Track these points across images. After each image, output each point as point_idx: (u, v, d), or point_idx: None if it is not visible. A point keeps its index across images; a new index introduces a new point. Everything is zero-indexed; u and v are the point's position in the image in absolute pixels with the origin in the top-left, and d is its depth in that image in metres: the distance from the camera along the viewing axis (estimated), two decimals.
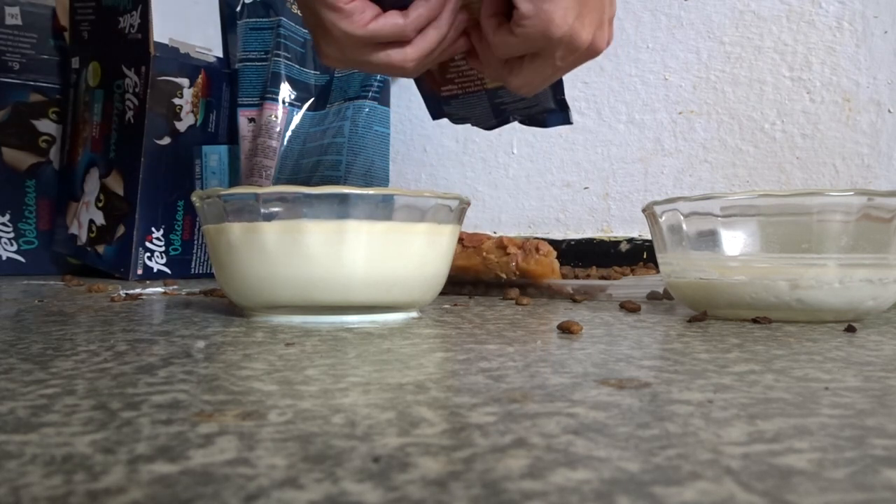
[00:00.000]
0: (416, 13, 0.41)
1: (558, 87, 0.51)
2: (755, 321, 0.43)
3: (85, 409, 0.21)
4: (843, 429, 0.19)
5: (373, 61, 0.42)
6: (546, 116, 0.52)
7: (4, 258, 0.98)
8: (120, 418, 0.20)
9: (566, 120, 0.52)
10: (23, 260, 0.99)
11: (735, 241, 0.44)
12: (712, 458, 0.17)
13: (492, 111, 0.52)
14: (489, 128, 0.54)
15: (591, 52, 0.42)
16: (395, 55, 0.42)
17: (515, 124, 0.55)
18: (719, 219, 0.44)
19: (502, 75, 0.44)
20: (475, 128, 0.57)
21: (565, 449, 0.17)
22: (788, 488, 0.15)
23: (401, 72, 0.43)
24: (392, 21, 0.40)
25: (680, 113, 0.93)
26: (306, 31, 0.95)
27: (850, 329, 0.40)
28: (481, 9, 0.42)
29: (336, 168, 0.93)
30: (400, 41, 0.41)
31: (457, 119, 0.54)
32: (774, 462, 0.16)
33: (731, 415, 0.21)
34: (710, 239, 0.45)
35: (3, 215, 0.99)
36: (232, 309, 0.50)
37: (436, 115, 0.54)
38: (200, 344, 0.34)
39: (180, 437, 0.18)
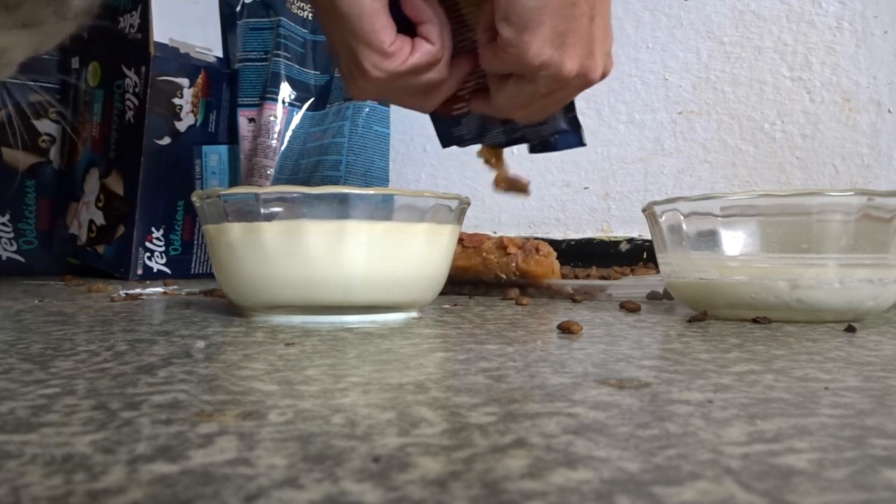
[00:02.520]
0: (436, 32, 0.42)
1: (569, 105, 0.50)
2: (755, 321, 0.43)
3: (85, 409, 0.21)
4: (843, 429, 0.19)
5: (413, 84, 0.43)
6: (557, 139, 0.51)
7: (4, 258, 0.98)
8: (120, 418, 0.20)
9: (579, 141, 0.51)
10: (23, 260, 1.00)
11: (735, 241, 0.44)
12: (712, 458, 0.17)
13: (503, 130, 0.51)
14: (501, 146, 0.54)
15: (581, 81, 0.41)
16: (433, 75, 0.43)
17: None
18: (719, 219, 0.44)
19: (492, 91, 0.44)
20: None
21: (565, 449, 0.17)
22: (788, 488, 0.15)
23: (435, 90, 0.44)
24: (427, 49, 0.42)
25: (680, 113, 0.93)
26: (306, 31, 0.95)
27: (850, 329, 0.40)
28: (480, 20, 0.42)
29: (336, 168, 0.93)
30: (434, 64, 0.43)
31: (467, 140, 0.53)
32: (774, 462, 0.16)
33: (731, 415, 0.21)
34: (710, 239, 0.45)
35: (3, 215, 0.99)
36: (232, 309, 0.50)
37: (446, 141, 0.54)
38: (200, 344, 0.35)
39: (180, 437, 0.18)
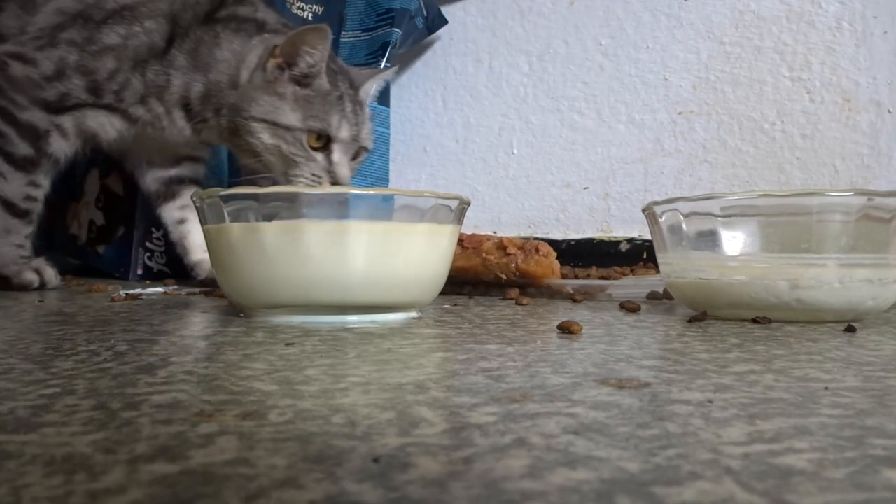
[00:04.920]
0: None
1: None
2: (755, 321, 0.43)
3: (85, 409, 0.21)
4: (843, 429, 0.19)
5: None
6: None
7: None
8: (120, 418, 0.20)
9: None
10: None
11: (735, 241, 0.44)
12: (712, 458, 0.17)
13: None
14: None
15: None
16: None
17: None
18: (719, 219, 0.44)
19: None
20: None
21: (565, 449, 0.17)
22: (788, 488, 0.15)
23: None
24: None
25: (680, 113, 0.93)
26: None
27: (850, 329, 0.40)
28: None
29: None
30: None
31: None
32: (774, 462, 0.16)
33: (730, 415, 0.21)
34: (709, 239, 0.45)
35: None
36: (232, 309, 0.50)
37: None
38: (200, 344, 0.35)
39: (180, 437, 0.18)
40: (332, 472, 0.16)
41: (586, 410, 0.21)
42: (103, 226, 0.92)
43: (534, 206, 1.03)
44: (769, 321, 0.43)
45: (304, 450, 0.17)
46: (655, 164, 0.95)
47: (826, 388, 0.24)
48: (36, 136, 0.69)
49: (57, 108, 0.70)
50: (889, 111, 0.82)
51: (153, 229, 0.90)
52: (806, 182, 0.86)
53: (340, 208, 0.41)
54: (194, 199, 0.45)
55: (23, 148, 0.69)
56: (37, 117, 0.69)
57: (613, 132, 0.98)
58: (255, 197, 0.41)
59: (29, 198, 0.71)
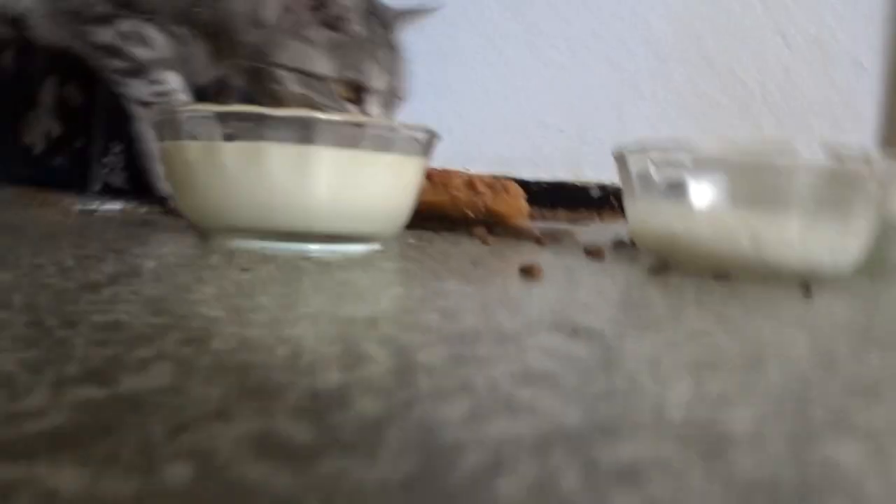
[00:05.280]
0: None
1: None
2: (716, 277, 0.43)
3: (18, 324, 0.20)
4: (788, 392, 0.19)
5: None
6: None
7: None
8: (54, 336, 0.19)
9: None
10: None
11: (702, 193, 0.44)
12: (655, 415, 0.16)
13: None
14: None
15: None
16: None
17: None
18: (688, 169, 0.44)
19: None
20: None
21: (508, 397, 0.17)
22: (728, 450, 0.15)
23: None
24: None
25: (658, 59, 0.92)
26: None
27: (807, 292, 0.41)
28: None
29: None
30: None
31: None
32: (716, 422, 0.16)
33: (678, 372, 0.21)
34: (677, 189, 0.44)
35: None
36: (190, 230, 0.49)
37: None
38: (151, 264, 0.34)
39: (114, 361, 0.17)
40: (266, 406, 0.15)
41: (535, 357, 0.21)
42: (60, 137, 0.89)
43: (506, 145, 1.02)
44: (730, 277, 0.43)
45: (241, 382, 0.17)
46: (630, 109, 0.94)
47: (776, 352, 0.25)
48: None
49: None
50: (865, 68, 0.82)
51: (113, 143, 0.87)
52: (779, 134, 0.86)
53: (305, 133, 0.39)
54: (152, 113, 0.43)
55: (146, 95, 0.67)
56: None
57: (591, 73, 0.96)
58: (215, 116, 0.40)
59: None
